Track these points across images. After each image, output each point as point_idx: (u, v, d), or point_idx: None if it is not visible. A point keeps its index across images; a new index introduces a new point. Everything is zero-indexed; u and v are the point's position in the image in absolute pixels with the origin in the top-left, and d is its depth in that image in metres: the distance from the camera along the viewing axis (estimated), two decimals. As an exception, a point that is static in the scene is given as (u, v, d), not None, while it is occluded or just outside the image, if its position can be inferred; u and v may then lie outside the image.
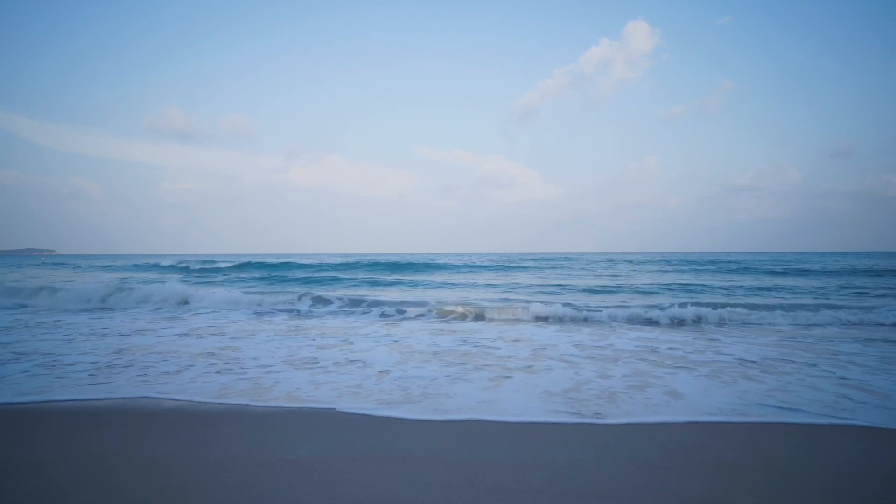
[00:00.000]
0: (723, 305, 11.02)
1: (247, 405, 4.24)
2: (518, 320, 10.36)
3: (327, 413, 4.04)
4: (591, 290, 17.22)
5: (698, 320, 10.04)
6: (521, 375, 5.36)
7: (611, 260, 44.56)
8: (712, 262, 35.18)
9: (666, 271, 27.67)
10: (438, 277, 24.33)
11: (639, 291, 16.75)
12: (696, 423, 3.82)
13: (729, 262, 36.65)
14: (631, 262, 40.79)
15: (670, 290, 17.06)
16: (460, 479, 2.72)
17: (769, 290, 17.15)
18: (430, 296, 15.12)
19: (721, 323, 9.90)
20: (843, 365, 5.91)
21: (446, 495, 2.54)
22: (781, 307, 11.20)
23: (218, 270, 28.17)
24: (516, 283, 20.35)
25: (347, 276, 24.20)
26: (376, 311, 11.40)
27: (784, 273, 25.18)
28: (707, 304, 11.02)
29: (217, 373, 5.44)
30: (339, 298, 12.86)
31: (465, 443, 3.34)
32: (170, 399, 4.42)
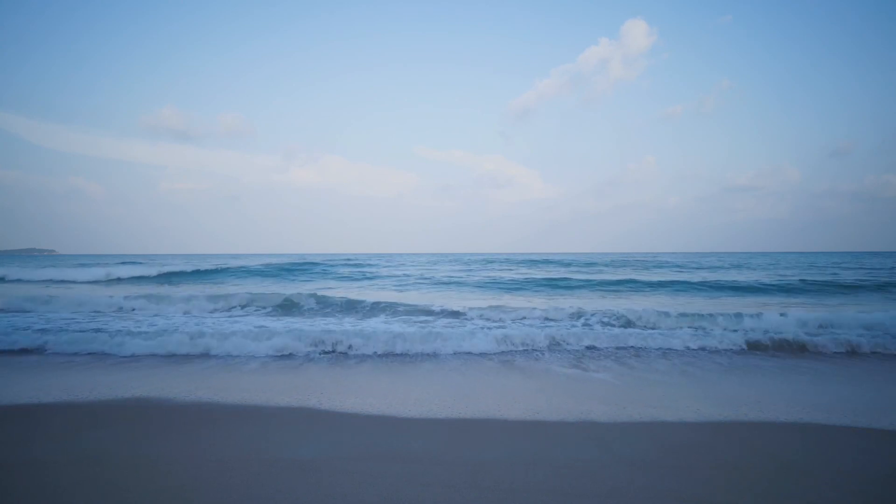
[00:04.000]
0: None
1: (248, 405, 4.24)
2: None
3: (328, 412, 4.04)
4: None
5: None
6: None
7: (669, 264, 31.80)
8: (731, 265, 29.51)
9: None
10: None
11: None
12: (697, 422, 3.82)
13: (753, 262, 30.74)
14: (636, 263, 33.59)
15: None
16: (461, 479, 2.72)
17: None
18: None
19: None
20: None
21: (447, 495, 2.54)
22: None
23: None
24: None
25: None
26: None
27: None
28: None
29: None
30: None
31: (466, 442, 3.34)
32: (170, 398, 4.41)
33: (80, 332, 7.33)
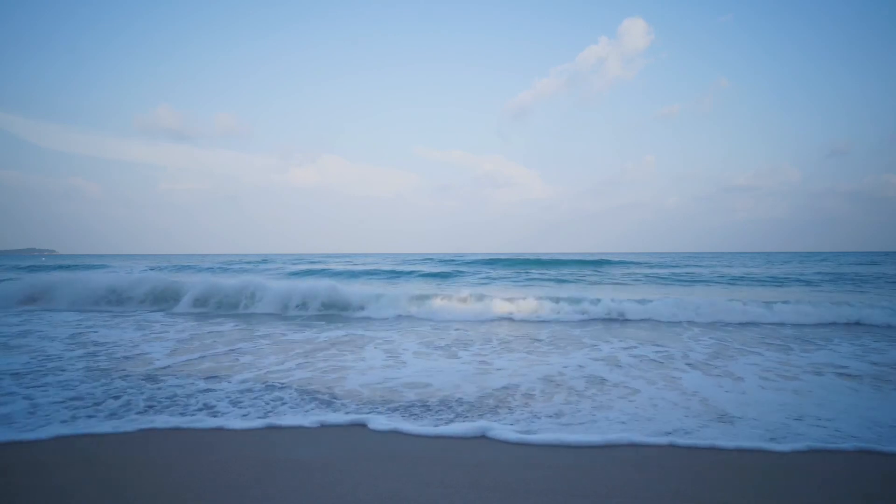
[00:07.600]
0: None
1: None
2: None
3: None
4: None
5: None
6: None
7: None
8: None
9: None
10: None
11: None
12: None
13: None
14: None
15: None
16: (461, 479, 2.72)
17: None
18: None
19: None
20: None
21: (447, 495, 2.53)
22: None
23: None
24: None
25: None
26: None
27: None
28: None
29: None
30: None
31: (466, 442, 3.34)
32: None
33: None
